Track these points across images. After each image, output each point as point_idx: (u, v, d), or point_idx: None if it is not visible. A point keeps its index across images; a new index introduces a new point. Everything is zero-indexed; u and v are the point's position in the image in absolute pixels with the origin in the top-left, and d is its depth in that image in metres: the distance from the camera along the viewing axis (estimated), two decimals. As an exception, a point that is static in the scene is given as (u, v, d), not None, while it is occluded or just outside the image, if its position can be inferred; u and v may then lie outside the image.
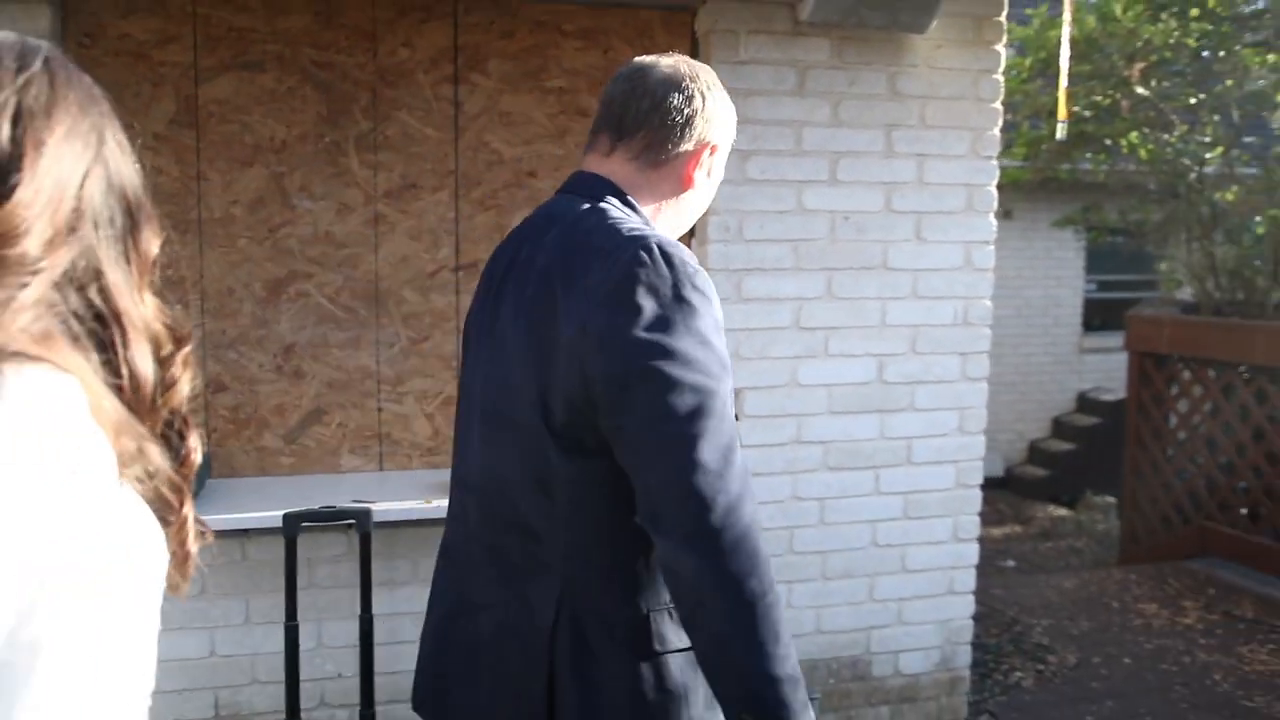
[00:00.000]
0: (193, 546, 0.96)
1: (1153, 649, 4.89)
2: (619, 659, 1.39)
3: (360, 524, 2.68)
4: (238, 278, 3.06)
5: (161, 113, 2.96)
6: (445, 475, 3.01)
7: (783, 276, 3.30)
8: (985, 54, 3.40)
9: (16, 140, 0.86)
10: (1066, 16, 3.31)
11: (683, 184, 1.56)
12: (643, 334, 1.30)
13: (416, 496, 2.92)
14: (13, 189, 0.84)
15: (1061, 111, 3.48)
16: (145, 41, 2.93)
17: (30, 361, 0.80)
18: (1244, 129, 6.64)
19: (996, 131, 3.45)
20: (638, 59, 1.59)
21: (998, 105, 3.44)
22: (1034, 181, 7.72)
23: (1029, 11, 6.64)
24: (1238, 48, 6.00)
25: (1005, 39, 3.42)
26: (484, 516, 1.50)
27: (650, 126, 1.52)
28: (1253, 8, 6.51)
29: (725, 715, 1.33)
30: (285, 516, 2.60)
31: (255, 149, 3.03)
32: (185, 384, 0.95)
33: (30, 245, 0.85)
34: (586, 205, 1.48)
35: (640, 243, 1.36)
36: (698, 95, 1.54)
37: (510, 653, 1.44)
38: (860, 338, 3.34)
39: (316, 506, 2.66)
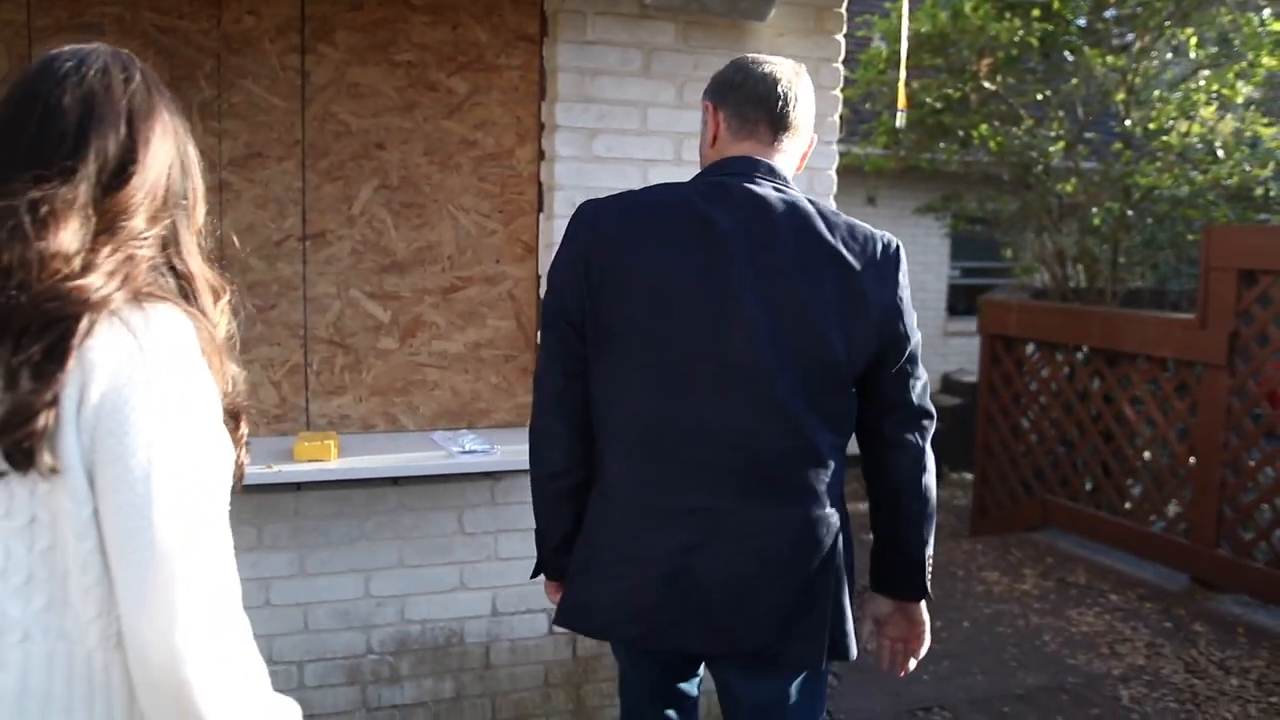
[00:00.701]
0: (244, 457, 1.29)
1: (991, 613, 5.19)
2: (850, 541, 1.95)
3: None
4: None
5: (-6, 72, 2.91)
6: (290, 443, 3.04)
7: None
8: (826, 43, 3.52)
9: (132, 138, 1.18)
10: (904, 10, 3.47)
11: (798, 170, 2.01)
12: (909, 305, 1.91)
13: (261, 463, 2.92)
14: (130, 177, 1.17)
15: (900, 101, 3.65)
16: (-24, -2, 2.87)
17: (161, 301, 1.14)
18: (1087, 125, 7.01)
19: (836, 118, 3.58)
20: (778, 59, 2.00)
21: (837, 93, 3.57)
22: (897, 169, 7.99)
23: (888, 4, 6.88)
24: (1084, 48, 6.31)
25: (845, 29, 3.56)
26: (748, 457, 1.80)
27: (802, 124, 1.95)
28: (1108, 15, 6.86)
29: (896, 575, 2.04)
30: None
31: None
32: (224, 326, 1.27)
33: (139, 220, 1.17)
34: (797, 193, 1.90)
35: (884, 235, 1.91)
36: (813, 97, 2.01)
37: (806, 559, 1.83)
38: None
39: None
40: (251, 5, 3.08)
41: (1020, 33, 6.04)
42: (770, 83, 1.92)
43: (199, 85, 3.06)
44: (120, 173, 1.17)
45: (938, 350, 10.35)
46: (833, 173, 3.61)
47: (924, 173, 8.00)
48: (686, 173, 3.37)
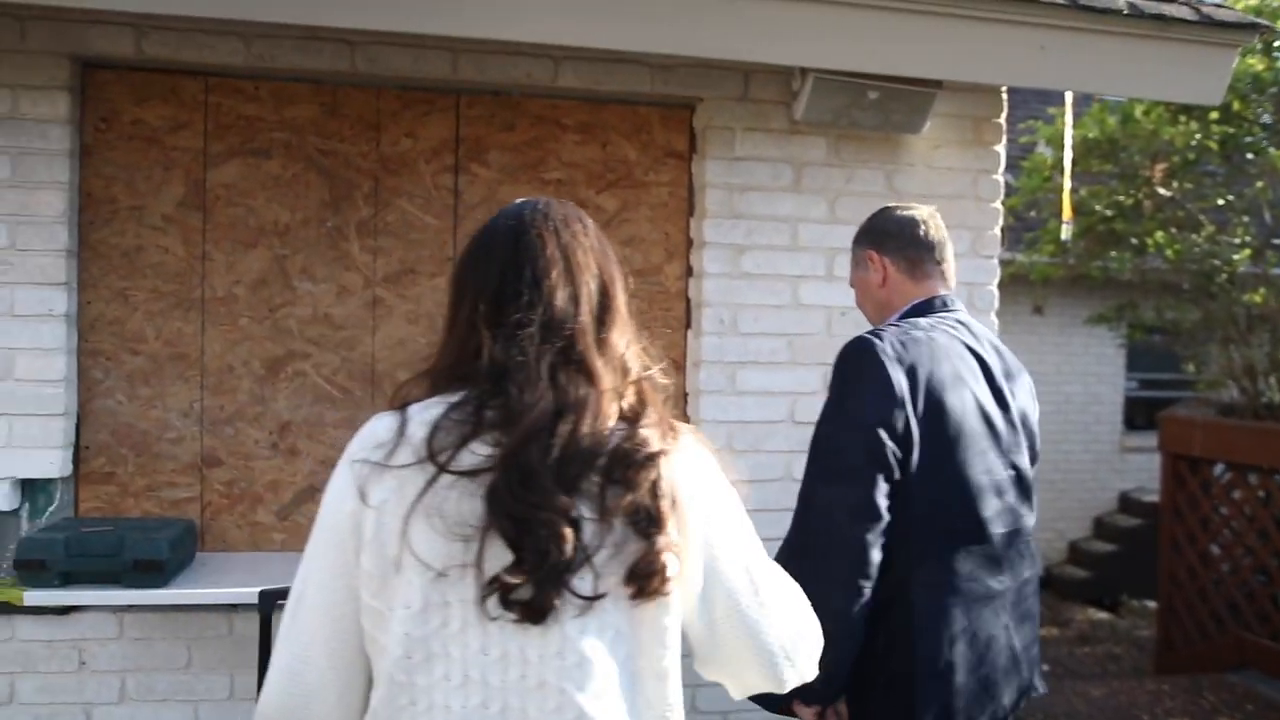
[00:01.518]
0: None
1: (1180, 767, 4.70)
2: None
3: (333, 605, 2.68)
4: (237, 355, 3.13)
5: (171, 195, 3.07)
6: None
7: (777, 370, 3.31)
8: (984, 154, 3.41)
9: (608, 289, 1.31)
10: (1068, 116, 3.32)
11: None
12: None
13: None
14: (611, 329, 1.29)
15: (1066, 211, 3.47)
16: (158, 127, 3.06)
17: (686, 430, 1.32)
18: (1275, 229, 6.56)
19: (997, 231, 3.44)
20: (915, 205, 2.32)
21: (998, 205, 3.44)
22: (1066, 278, 7.66)
23: (1052, 110, 6.67)
24: (1270, 149, 5.95)
25: (1004, 139, 3.45)
26: (1010, 544, 2.11)
27: (952, 259, 2.29)
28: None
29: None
30: (261, 593, 2.62)
31: (259, 232, 3.13)
32: None
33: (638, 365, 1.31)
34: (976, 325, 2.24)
35: None
36: None
37: (1036, 611, 2.20)
38: None
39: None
40: (409, 128, 3.18)
41: (1198, 136, 5.73)
42: (925, 228, 2.24)
43: (357, 205, 3.17)
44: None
45: (1114, 467, 9.75)
46: (994, 288, 3.46)
47: (1095, 281, 7.63)
48: (840, 290, 3.30)
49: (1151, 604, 8.26)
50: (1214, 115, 5.76)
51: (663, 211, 3.33)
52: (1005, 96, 3.43)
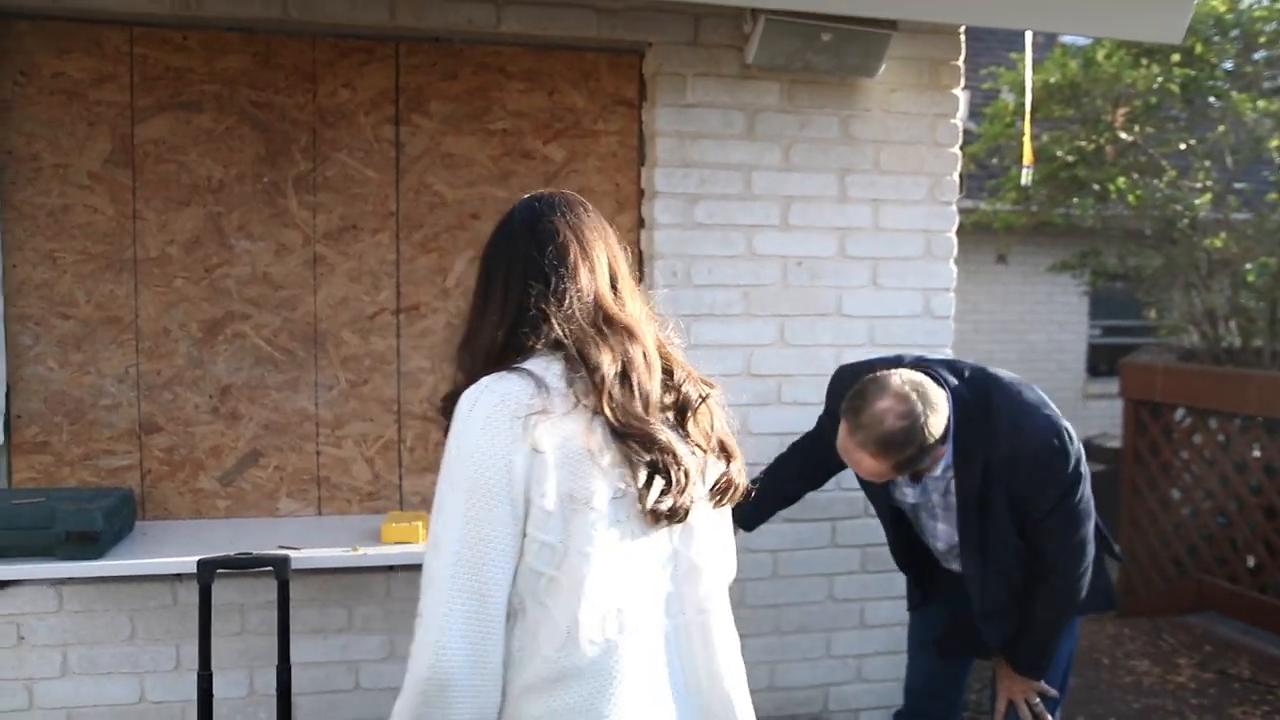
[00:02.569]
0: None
1: (1140, 708, 4.73)
2: None
3: (278, 571, 2.61)
4: (173, 318, 3.03)
5: (97, 152, 2.94)
6: (379, 521, 2.95)
7: (733, 322, 3.24)
8: (942, 98, 3.33)
9: None
10: (1028, 60, 3.24)
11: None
12: None
13: (350, 543, 2.83)
14: (625, 296, 1.52)
15: (1026, 157, 3.40)
16: (81, 80, 2.92)
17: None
18: (1237, 174, 6.55)
19: (955, 177, 3.37)
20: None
21: (955, 150, 3.37)
22: (1029, 226, 7.62)
23: (1014, 55, 6.58)
24: (1231, 93, 5.91)
25: (963, 82, 3.36)
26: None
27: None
28: (1258, 56, 6.44)
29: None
30: (200, 563, 2.54)
31: (192, 189, 3.01)
32: None
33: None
34: None
35: None
36: None
37: None
38: (814, 386, 3.25)
39: (236, 553, 2.59)
40: (346, 78, 3.06)
41: (1160, 80, 5.67)
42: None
43: (294, 160, 3.05)
44: None
45: (1077, 414, 9.79)
46: (952, 235, 3.40)
47: (1058, 229, 7.60)
48: (796, 239, 3.26)
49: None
50: (1176, 58, 5.71)
51: (612, 161, 3.24)
52: (963, 39, 3.35)
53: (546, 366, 1.39)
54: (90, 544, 2.56)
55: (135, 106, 2.95)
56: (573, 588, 1.35)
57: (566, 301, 1.43)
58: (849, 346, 3.32)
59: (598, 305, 1.44)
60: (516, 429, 1.33)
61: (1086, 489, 2.41)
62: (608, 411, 1.37)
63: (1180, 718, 4.63)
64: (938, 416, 2.21)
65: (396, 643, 3.13)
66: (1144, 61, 5.73)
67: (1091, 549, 2.43)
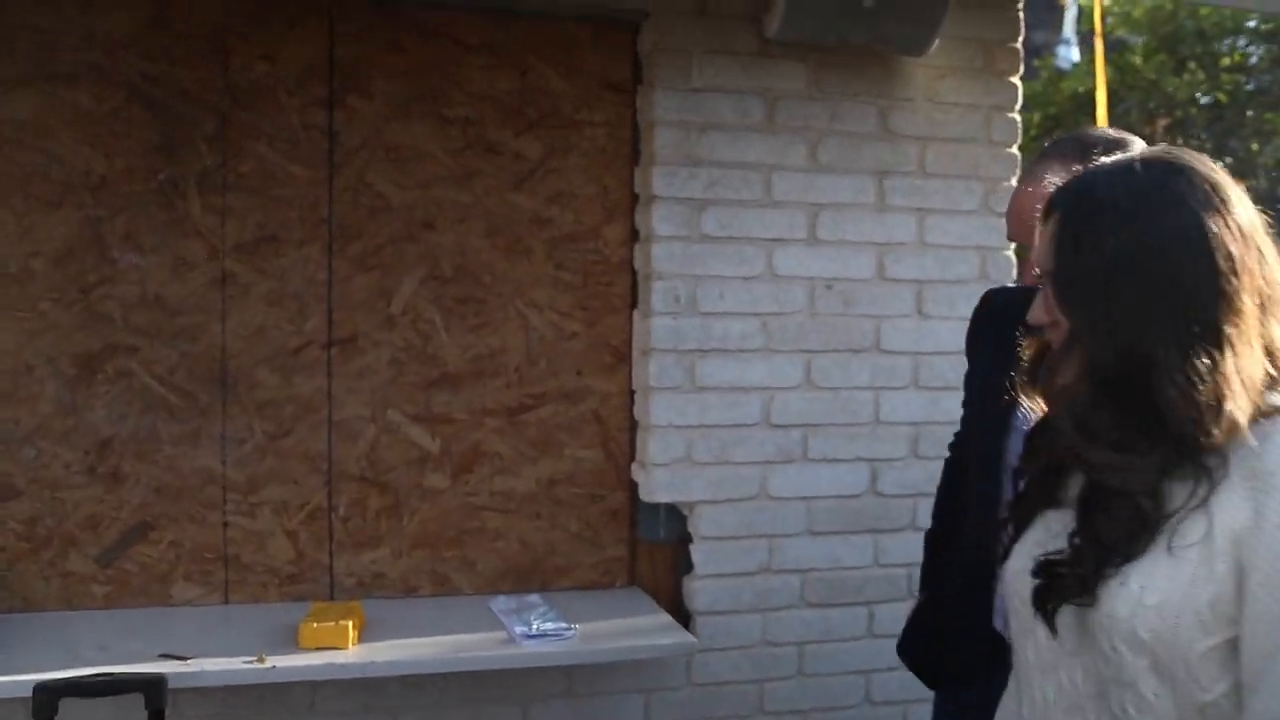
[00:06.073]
0: None
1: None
2: None
3: (150, 699, 1.95)
4: (37, 351, 2.48)
5: (-62, 136, 2.41)
6: (304, 611, 2.39)
7: (749, 360, 2.79)
8: (999, 86, 2.90)
9: None
10: (1100, 60, 2.76)
11: None
12: None
13: (263, 644, 2.24)
14: None
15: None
16: (-84, 44, 2.37)
17: None
18: (1268, 197, 6.25)
19: (1014, 182, 2.91)
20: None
21: (1014, 151, 2.94)
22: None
23: (1037, 63, 6.15)
24: (1266, 114, 5.59)
25: (1022, 69, 2.92)
26: None
27: None
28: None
29: None
30: (36, 689, 1.88)
31: (65, 186, 2.48)
32: None
33: None
34: None
35: None
36: None
37: None
38: (847, 438, 2.82)
39: (91, 672, 1.94)
40: (266, 48, 2.57)
41: (1204, 86, 5.29)
42: None
43: (198, 151, 2.56)
44: None
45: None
46: (1010, 253, 3.03)
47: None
48: (824, 256, 2.75)
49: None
50: (1225, 61, 5.38)
51: (600, 159, 2.79)
52: (1022, 17, 2.92)
53: None
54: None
55: (-9, 78, 2.43)
56: None
57: None
58: (889, 389, 2.86)
59: None
60: None
61: None
62: None
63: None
64: None
65: (321, 769, 2.52)
66: (1189, 66, 5.33)
67: None
